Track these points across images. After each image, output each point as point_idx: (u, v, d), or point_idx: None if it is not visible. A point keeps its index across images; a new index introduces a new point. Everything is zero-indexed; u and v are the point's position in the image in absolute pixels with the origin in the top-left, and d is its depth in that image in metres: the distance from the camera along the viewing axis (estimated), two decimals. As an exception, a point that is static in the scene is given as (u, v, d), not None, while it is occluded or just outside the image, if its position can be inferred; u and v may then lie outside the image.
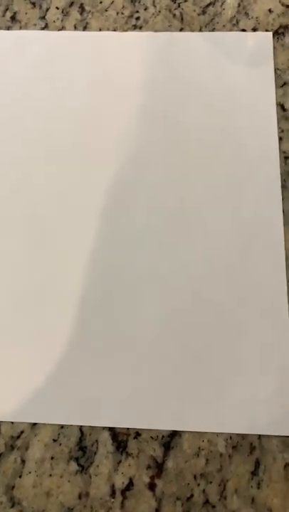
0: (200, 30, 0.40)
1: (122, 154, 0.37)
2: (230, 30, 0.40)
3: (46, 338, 0.32)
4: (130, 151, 0.37)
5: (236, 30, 0.40)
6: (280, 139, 0.36)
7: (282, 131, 0.37)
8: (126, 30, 0.40)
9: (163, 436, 0.30)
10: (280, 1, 0.41)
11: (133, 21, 0.41)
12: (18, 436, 0.31)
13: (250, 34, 0.40)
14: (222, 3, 0.41)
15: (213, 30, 0.40)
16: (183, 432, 0.30)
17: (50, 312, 0.33)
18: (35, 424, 0.31)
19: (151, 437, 0.30)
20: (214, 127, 0.37)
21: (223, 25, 0.40)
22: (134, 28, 0.41)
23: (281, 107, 0.37)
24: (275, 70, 0.38)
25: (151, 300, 0.33)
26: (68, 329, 0.32)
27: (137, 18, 0.41)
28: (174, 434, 0.30)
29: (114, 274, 0.33)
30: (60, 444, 0.30)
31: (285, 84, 0.38)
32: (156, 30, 0.40)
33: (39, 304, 0.33)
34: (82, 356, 0.32)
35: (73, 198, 0.36)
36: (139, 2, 0.41)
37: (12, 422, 0.31)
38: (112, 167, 0.36)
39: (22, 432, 0.31)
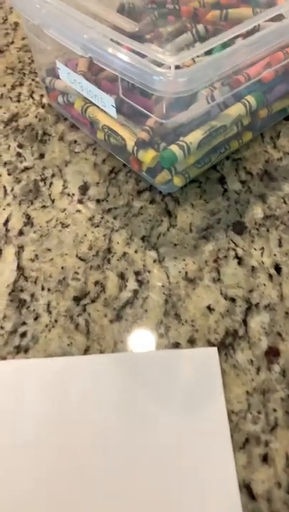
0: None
1: None
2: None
3: None
4: None
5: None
6: None
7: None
8: (6, 356, 0.27)
9: None
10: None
11: (16, 341, 0.28)
12: None
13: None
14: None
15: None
16: None
17: None
18: None
19: None
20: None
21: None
22: (18, 351, 0.28)
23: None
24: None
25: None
26: None
27: (23, 335, 0.28)
28: None
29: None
30: None
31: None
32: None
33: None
34: None
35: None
36: (28, 308, 0.29)
37: None
38: None
39: None
